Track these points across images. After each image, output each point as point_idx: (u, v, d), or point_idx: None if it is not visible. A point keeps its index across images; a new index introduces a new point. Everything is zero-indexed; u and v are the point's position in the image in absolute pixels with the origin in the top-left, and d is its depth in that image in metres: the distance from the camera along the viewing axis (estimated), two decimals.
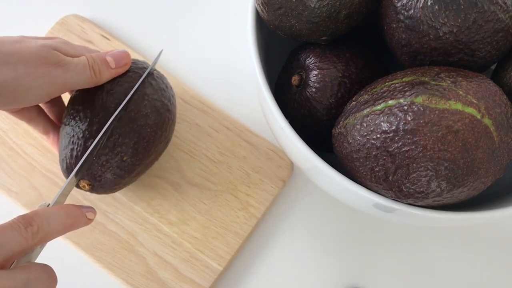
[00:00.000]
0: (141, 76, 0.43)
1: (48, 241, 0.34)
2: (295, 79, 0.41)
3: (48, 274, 0.33)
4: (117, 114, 0.40)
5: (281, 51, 0.46)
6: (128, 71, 0.43)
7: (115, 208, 0.48)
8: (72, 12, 0.55)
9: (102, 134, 0.40)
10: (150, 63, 0.45)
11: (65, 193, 0.38)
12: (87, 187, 0.42)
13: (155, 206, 0.48)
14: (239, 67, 0.55)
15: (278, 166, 0.50)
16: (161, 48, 0.48)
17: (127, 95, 0.41)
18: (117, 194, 0.48)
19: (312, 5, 0.37)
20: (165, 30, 0.57)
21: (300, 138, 0.37)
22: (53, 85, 0.38)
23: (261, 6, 0.39)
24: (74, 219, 0.36)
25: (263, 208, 0.49)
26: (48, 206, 0.36)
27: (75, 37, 0.54)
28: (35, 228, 0.33)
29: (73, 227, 0.36)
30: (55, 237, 0.35)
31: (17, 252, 0.32)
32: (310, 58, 0.41)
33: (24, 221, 0.33)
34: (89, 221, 0.37)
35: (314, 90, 0.40)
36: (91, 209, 0.38)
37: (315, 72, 0.41)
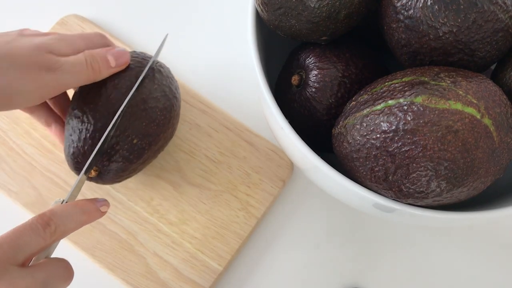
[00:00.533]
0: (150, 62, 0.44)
1: (64, 237, 0.35)
2: (295, 79, 0.41)
3: (65, 269, 0.35)
4: (131, 95, 0.41)
5: (281, 51, 0.46)
6: (138, 58, 0.44)
7: (115, 208, 0.48)
8: (72, 12, 0.55)
9: (117, 117, 0.40)
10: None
11: (76, 191, 0.39)
12: (93, 173, 0.41)
13: (155, 206, 0.48)
14: (239, 67, 0.55)
15: (278, 166, 0.50)
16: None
17: (138, 78, 0.42)
18: (117, 194, 0.48)
19: (312, 5, 0.37)
20: (165, 30, 0.57)
21: (300, 138, 0.37)
22: (44, 89, 0.39)
23: (261, 6, 0.39)
24: (88, 215, 0.37)
25: (263, 208, 0.48)
26: (62, 202, 0.37)
27: None
28: (52, 228, 0.34)
29: (87, 222, 0.37)
30: (71, 233, 0.36)
31: (36, 251, 0.33)
32: (310, 58, 0.41)
33: (42, 222, 0.34)
34: (103, 214, 0.38)
35: (314, 90, 0.40)
36: (105, 202, 0.39)
37: (315, 72, 0.41)
